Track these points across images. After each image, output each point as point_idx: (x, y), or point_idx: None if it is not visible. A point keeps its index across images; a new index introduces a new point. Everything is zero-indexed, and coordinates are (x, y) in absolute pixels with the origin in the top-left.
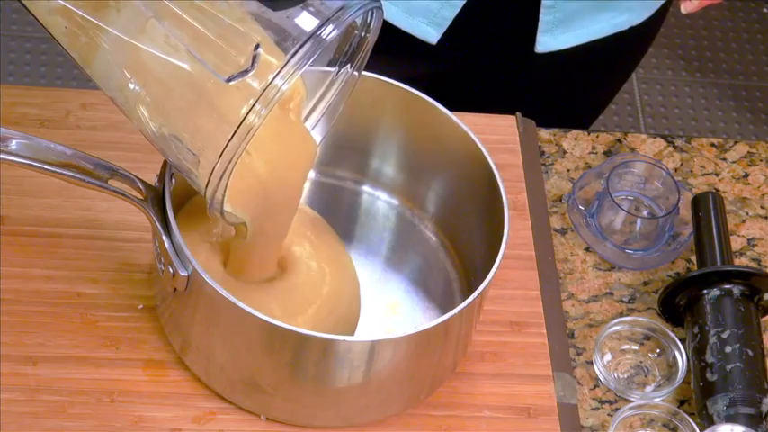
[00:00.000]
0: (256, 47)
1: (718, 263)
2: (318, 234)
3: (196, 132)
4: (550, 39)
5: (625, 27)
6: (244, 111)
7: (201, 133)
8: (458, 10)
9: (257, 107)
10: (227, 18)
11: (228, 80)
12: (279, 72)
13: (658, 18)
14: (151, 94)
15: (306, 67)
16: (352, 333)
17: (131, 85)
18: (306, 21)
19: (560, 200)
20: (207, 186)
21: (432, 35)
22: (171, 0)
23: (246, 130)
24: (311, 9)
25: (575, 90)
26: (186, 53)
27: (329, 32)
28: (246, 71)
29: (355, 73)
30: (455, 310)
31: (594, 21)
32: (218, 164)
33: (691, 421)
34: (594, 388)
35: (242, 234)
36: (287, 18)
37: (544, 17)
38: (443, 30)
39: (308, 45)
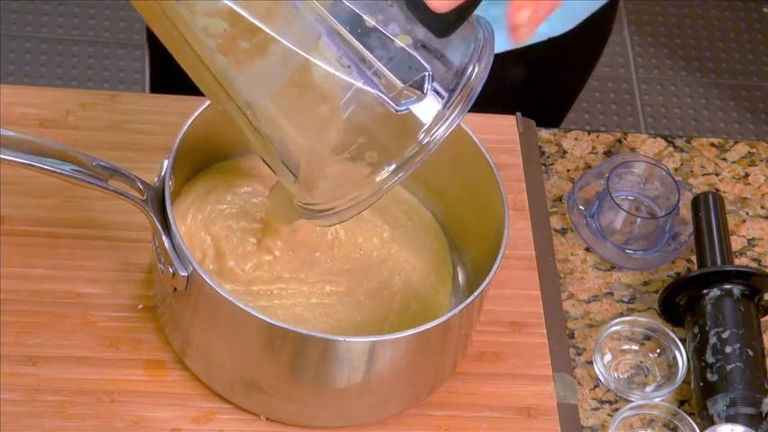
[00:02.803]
0: (426, 77)
1: (719, 263)
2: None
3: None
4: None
5: (585, 16)
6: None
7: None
8: None
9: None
10: (398, 42)
11: (399, 109)
12: (445, 118)
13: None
14: (303, 111)
15: (467, 111)
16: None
17: (284, 98)
18: (465, 56)
19: (560, 200)
20: (323, 213)
21: None
22: (342, 20)
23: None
24: (467, 43)
25: (547, 83)
26: (358, 76)
27: (482, 73)
28: (417, 100)
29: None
30: (455, 310)
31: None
32: (354, 204)
33: (691, 421)
34: (594, 388)
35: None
36: (454, 50)
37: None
38: None
39: (474, 88)
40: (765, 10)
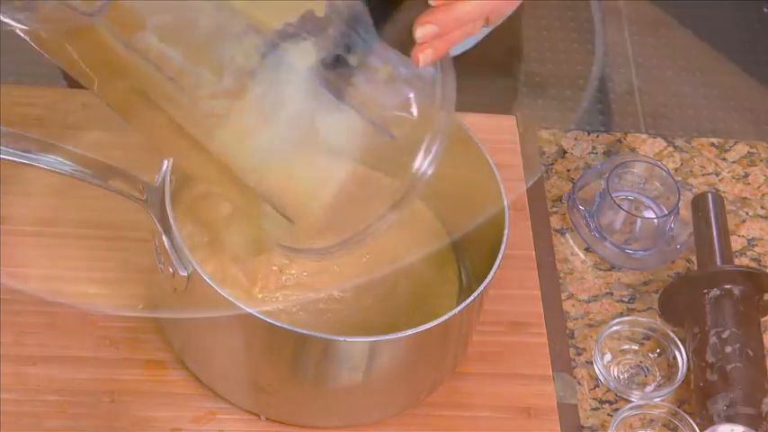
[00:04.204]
0: (412, 100)
1: (718, 263)
2: None
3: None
4: None
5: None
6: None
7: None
8: None
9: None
10: (381, 72)
11: (395, 137)
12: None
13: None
14: (308, 162)
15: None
16: None
17: (289, 154)
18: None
19: (560, 200)
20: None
21: None
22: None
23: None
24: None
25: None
26: (355, 114)
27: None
28: (409, 122)
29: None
30: (455, 310)
31: None
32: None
33: (691, 421)
34: (594, 388)
35: None
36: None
37: None
38: None
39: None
40: (765, 10)
